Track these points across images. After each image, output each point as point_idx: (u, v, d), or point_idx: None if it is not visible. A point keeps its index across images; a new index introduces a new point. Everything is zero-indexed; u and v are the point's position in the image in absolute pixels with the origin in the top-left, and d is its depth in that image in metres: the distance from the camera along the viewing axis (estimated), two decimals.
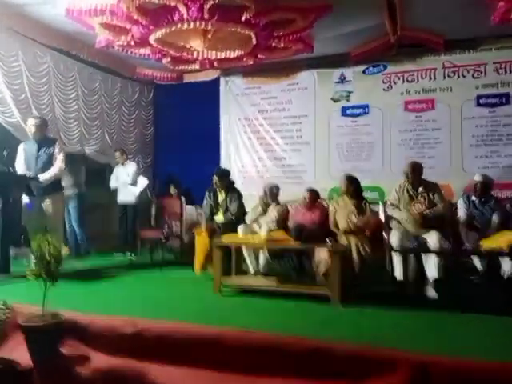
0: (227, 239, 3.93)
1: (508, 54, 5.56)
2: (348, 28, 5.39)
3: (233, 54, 5.50)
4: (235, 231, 4.44)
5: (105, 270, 5.05)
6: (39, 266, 2.78)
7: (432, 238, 3.62)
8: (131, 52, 5.67)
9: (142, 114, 7.44)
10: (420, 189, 4.01)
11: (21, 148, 4.70)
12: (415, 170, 4.04)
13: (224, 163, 7.20)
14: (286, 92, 6.83)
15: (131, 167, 6.22)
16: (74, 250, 5.87)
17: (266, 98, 6.97)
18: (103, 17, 4.52)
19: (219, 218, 4.87)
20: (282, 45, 5.33)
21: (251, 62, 5.95)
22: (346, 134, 6.44)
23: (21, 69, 5.24)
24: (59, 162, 4.68)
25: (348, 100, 6.46)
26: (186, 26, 4.51)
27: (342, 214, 4.30)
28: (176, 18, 4.45)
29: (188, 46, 5.30)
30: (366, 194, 5.18)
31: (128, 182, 6.14)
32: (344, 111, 6.47)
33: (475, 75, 5.73)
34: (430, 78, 5.99)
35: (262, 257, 4.34)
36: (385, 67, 6.24)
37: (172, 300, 3.65)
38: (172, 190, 6.96)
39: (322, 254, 4.03)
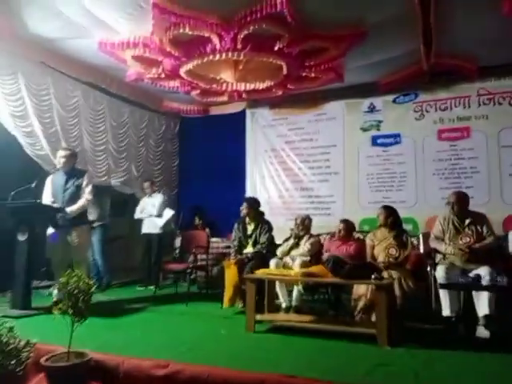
0: (262, 273, 3.71)
1: None
2: (378, 57, 5.29)
3: (262, 85, 5.48)
4: (266, 264, 4.24)
5: (128, 304, 4.87)
6: (67, 302, 2.62)
7: (484, 273, 3.33)
8: (160, 85, 5.72)
9: (168, 146, 7.44)
10: (467, 220, 3.75)
11: (49, 180, 4.67)
12: (461, 200, 3.79)
13: (250, 195, 7.07)
14: (314, 122, 6.74)
15: (158, 198, 6.15)
16: (96, 282, 5.74)
17: (293, 128, 6.88)
18: (136, 49, 4.56)
19: (249, 250, 4.68)
20: (313, 75, 5.28)
21: (280, 93, 5.92)
22: (377, 163, 6.26)
23: (51, 102, 5.30)
24: (87, 194, 4.62)
25: (378, 129, 6.31)
26: (217, 56, 4.52)
27: (381, 246, 4.06)
28: (208, 49, 4.45)
29: (218, 78, 5.32)
30: None
31: (154, 214, 6.05)
32: (374, 141, 6.31)
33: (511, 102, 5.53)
34: (464, 106, 5.81)
35: (296, 291, 4.09)
36: (416, 96, 6.10)
37: (203, 338, 3.41)
38: (197, 221, 6.86)
39: (360, 289, 3.79)
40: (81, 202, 4.53)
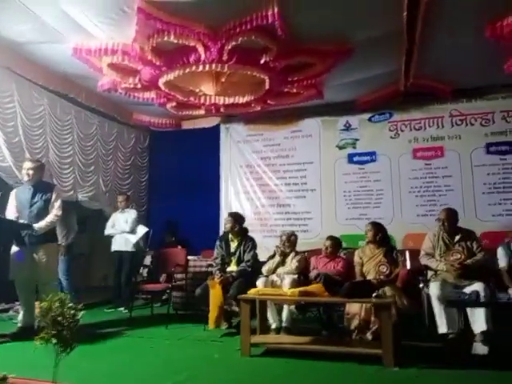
0: (255, 293, 3.50)
1: None
2: (359, 75, 5.31)
3: (242, 100, 5.35)
4: (251, 283, 4.04)
5: (103, 328, 4.49)
6: (50, 330, 2.29)
7: (480, 289, 3.31)
8: (134, 96, 5.46)
9: (137, 160, 7.13)
10: (457, 237, 3.75)
11: (13, 194, 4.26)
12: (451, 216, 3.80)
13: (224, 211, 6.87)
14: (290, 139, 6.70)
15: (131, 214, 5.81)
16: None
17: (268, 144, 6.81)
18: (114, 57, 4.31)
19: (232, 268, 4.46)
20: (295, 90, 5.23)
21: (258, 108, 5.82)
22: (354, 181, 6.28)
23: (15, 110, 4.89)
24: (56, 210, 4.25)
25: (354, 147, 6.35)
26: (200, 68, 4.36)
27: (371, 264, 3.98)
28: (192, 59, 4.28)
29: (197, 91, 5.14)
30: None
31: (126, 230, 5.69)
32: (350, 158, 6.34)
33: (483, 123, 5.73)
34: (438, 126, 5.97)
35: (286, 311, 3.91)
36: (391, 115, 6.22)
37: (198, 365, 3.13)
38: (168, 238, 6.55)
39: (353, 307, 3.67)
40: (49, 218, 4.16)
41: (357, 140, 6.36)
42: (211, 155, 7.10)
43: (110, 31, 4.10)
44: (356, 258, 4.10)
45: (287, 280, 3.93)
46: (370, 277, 3.94)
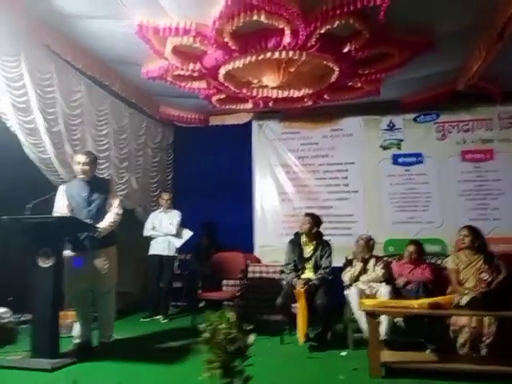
0: (377, 305, 3.11)
1: None
2: (412, 74, 5.07)
3: (297, 93, 5.00)
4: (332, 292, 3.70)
5: (164, 341, 3.99)
6: (216, 359, 1.85)
7: None
8: (180, 86, 4.96)
9: (164, 157, 6.58)
10: None
11: (62, 190, 3.70)
12: None
13: (259, 212, 6.47)
14: (329, 138, 6.38)
15: (176, 216, 5.33)
16: None
17: (306, 143, 6.46)
18: (184, 38, 3.83)
19: (308, 275, 4.07)
20: (359, 85, 4.92)
21: (310, 103, 5.47)
22: (400, 183, 6.04)
23: (55, 96, 4.29)
24: (117, 208, 3.74)
25: (399, 148, 6.12)
26: (276, 54, 3.97)
27: (469, 271, 3.71)
28: (270, 44, 3.87)
29: (254, 82, 4.75)
30: (427, 248, 4.74)
31: (172, 233, 5.19)
32: (395, 159, 6.10)
33: None
34: (487, 129, 5.84)
35: (386, 323, 3.56)
36: (437, 116, 6.03)
37: None
38: (204, 241, 6.06)
39: (461, 319, 3.39)
40: (111, 218, 3.65)
41: (401, 141, 6.13)
42: (242, 153, 6.67)
43: (187, 8, 3.64)
44: (451, 265, 3.80)
45: (385, 289, 3.61)
46: (468, 285, 3.66)
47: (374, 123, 6.25)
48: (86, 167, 3.63)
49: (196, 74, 4.57)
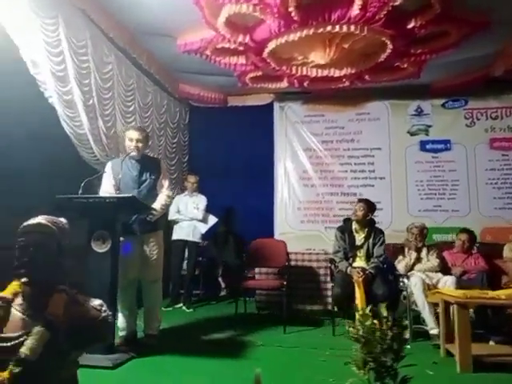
0: (461, 295, 2.97)
1: None
2: (450, 58, 4.95)
3: (338, 73, 4.77)
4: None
5: (208, 332, 3.78)
6: (368, 357, 1.65)
7: None
8: (215, 61, 4.65)
9: (181, 138, 6.23)
10: None
11: (109, 168, 3.38)
12: None
13: (279, 197, 6.26)
14: (355, 122, 6.20)
15: (202, 200, 5.05)
16: None
17: (330, 127, 6.26)
18: (244, 5, 3.52)
19: (360, 263, 3.91)
20: (405, 65, 4.75)
21: (347, 84, 5.25)
22: (427, 170, 5.94)
23: (89, 66, 3.91)
24: (167, 190, 3.47)
25: (427, 134, 6.01)
26: (337, 28, 3.73)
27: None
28: (335, 16, 3.62)
29: (299, 59, 4.51)
30: (454, 237, 4.69)
31: (199, 217, 4.92)
32: (423, 146, 6.00)
33: None
34: None
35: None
36: (466, 102, 5.94)
37: None
38: (221, 228, 5.82)
39: None
40: (163, 200, 3.38)
41: (429, 126, 6.02)
42: (262, 136, 6.39)
43: None
44: (509, 254, 3.74)
45: (450, 280, 3.50)
46: None
47: (401, 108, 6.11)
48: (140, 144, 3.33)
49: (241, 48, 4.28)
